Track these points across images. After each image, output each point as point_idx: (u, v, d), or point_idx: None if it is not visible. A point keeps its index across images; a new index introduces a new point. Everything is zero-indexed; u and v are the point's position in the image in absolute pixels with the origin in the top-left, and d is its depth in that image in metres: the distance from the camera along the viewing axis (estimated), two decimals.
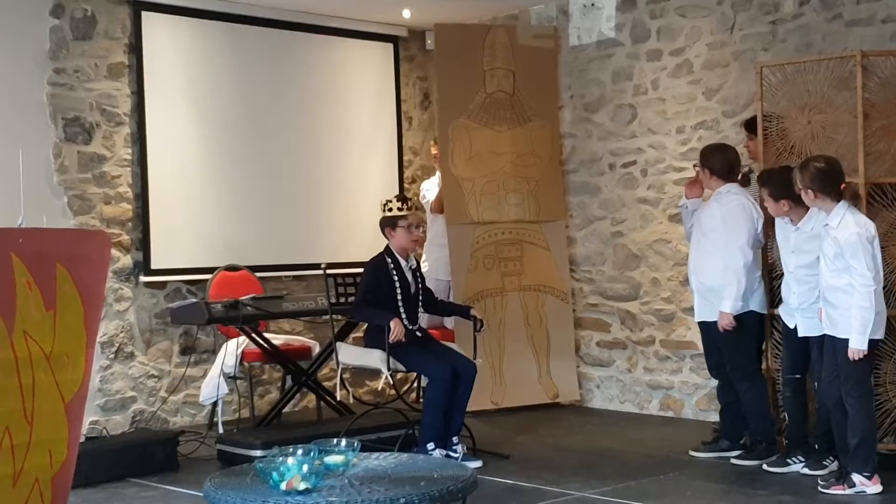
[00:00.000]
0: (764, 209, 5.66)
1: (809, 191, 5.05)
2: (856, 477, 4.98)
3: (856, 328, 4.95)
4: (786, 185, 5.29)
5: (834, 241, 5.00)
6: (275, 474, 3.13)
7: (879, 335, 5.05)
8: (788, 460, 5.54)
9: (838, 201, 5.04)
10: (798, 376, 5.53)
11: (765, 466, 5.58)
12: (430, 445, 5.70)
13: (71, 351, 2.97)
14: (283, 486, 3.10)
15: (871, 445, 5.05)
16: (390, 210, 6.01)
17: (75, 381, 3.00)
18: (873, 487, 4.96)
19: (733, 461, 5.73)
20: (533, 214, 7.68)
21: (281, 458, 3.19)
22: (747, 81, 6.67)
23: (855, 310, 4.94)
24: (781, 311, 5.61)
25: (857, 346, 4.95)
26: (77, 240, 3.14)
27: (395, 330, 5.69)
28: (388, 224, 6.01)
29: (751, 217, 5.69)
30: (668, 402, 7.30)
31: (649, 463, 5.83)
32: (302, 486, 3.09)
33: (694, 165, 6.09)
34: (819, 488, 5.04)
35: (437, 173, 7.75)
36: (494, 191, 7.57)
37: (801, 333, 5.44)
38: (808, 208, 5.34)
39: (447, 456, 5.64)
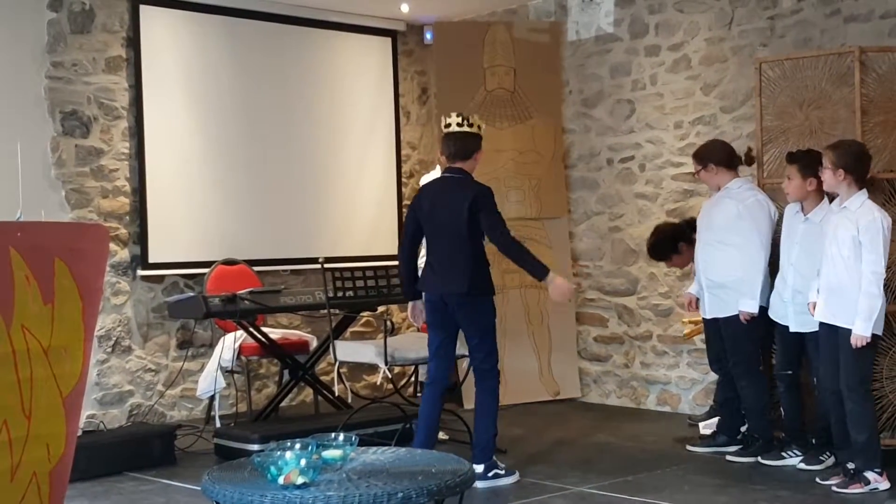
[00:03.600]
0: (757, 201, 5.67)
1: (841, 170, 4.98)
2: (869, 474, 4.95)
3: (862, 314, 4.89)
4: (816, 164, 5.25)
5: (853, 224, 4.93)
6: (272, 468, 3.13)
7: (879, 329, 5.00)
8: (784, 453, 5.56)
9: (860, 188, 5.02)
10: (790, 372, 5.54)
11: (760, 459, 5.60)
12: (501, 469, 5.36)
13: (69, 345, 2.96)
14: (280, 480, 3.10)
15: (877, 441, 5.06)
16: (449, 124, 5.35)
17: (73, 374, 2.99)
18: (884, 483, 4.96)
19: (728, 458, 5.73)
20: (535, 211, 7.67)
21: (279, 453, 3.18)
22: (746, 77, 6.67)
23: (863, 296, 4.88)
24: (773, 308, 5.60)
25: (862, 332, 4.88)
26: (75, 233, 3.13)
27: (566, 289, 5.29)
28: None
29: (769, 213, 5.65)
30: (665, 397, 7.31)
31: (646, 457, 5.84)
32: (300, 480, 3.09)
33: (696, 173, 5.92)
34: (834, 489, 4.98)
35: (438, 167, 7.73)
36: (495, 188, 7.49)
37: (793, 328, 5.44)
38: (821, 198, 5.32)
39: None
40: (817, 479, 5.13)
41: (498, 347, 5.40)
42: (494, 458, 5.33)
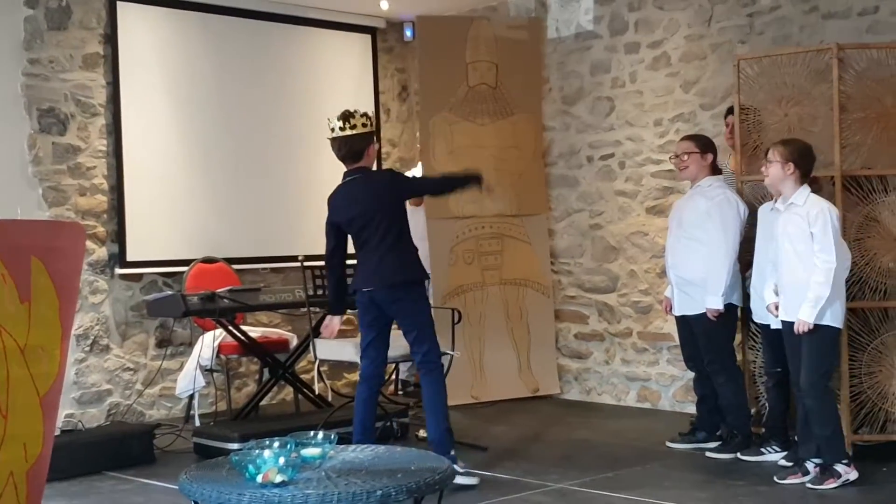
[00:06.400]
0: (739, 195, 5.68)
1: (790, 164, 5.03)
2: (839, 467, 4.97)
3: (808, 301, 4.90)
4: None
5: (802, 218, 4.97)
6: (251, 467, 3.11)
7: (838, 323, 5.01)
8: (763, 449, 5.58)
9: (803, 184, 5.07)
10: (779, 370, 5.55)
11: (739, 455, 5.61)
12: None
13: (46, 344, 2.94)
14: (259, 478, 3.09)
15: (842, 434, 5.09)
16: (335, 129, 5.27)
17: (50, 374, 2.97)
18: (853, 473, 4.97)
19: (708, 454, 5.74)
20: (514, 208, 7.67)
21: (257, 451, 3.17)
22: (725, 74, 6.68)
23: (812, 284, 4.90)
24: (755, 308, 5.60)
25: (806, 317, 4.90)
26: (52, 232, 3.11)
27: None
28: None
29: (738, 211, 5.66)
30: (646, 394, 7.32)
31: (627, 454, 5.85)
32: (278, 478, 3.07)
33: (686, 154, 5.81)
34: (808, 486, 4.97)
35: (419, 164, 7.73)
36: None
37: (775, 326, 5.40)
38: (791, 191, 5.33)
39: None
40: (775, 478, 5.12)
41: (436, 340, 5.33)
42: (454, 452, 5.19)
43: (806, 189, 5.07)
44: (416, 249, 5.39)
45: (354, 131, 5.21)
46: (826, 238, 4.92)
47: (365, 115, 5.29)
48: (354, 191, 5.29)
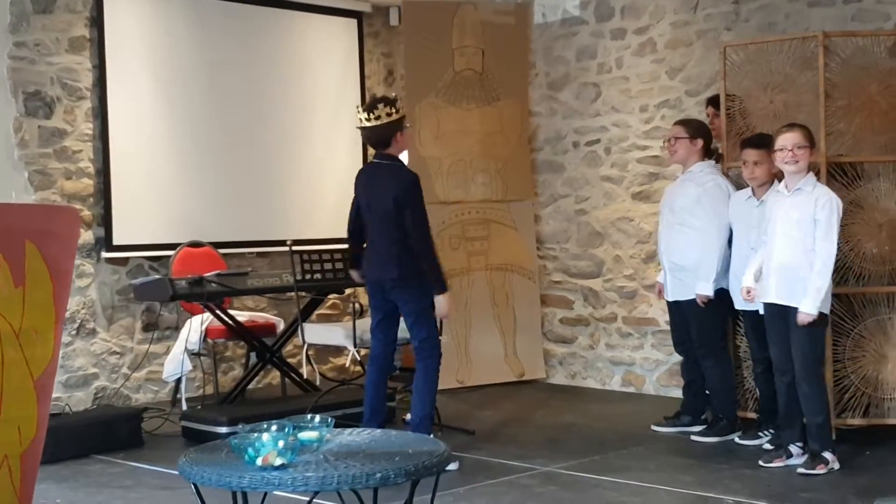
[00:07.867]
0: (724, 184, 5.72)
1: (811, 149, 5.02)
2: (827, 455, 5.01)
3: (811, 293, 4.90)
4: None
5: (813, 203, 4.94)
6: (250, 450, 3.12)
7: (826, 308, 5.03)
8: (760, 433, 5.64)
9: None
10: (767, 355, 5.59)
11: (736, 440, 5.67)
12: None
13: (40, 327, 2.94)
14: (258, 461, 3.10)
15: (830, 421, 5.14)
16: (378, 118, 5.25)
17: (44, 357, 2.97)
18: (836, 464, 5.03)
19: (693, 438, 5.80)
20: (500, 194, 7.69)
21: (255, 434, 3.18)
22: (710, 61, 6.72)
23: (815, 275, 4.90)
24: (737, 297, 5.61)
25: (809, 310, 4.90)
26: (46, 216, 3.10)
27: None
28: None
29: (728, 197, 5.68)
30: (630, 378, 7.38)
31: (612, 438, 5.90)
32: (278, 461, 3.09)
33: (674, 138, 5.83)
34: (799, 471, 4.99)
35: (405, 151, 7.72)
36: (462, 170, 7.58)
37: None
38: (770, 181, 5.36)
39: None
40: (760, 462, 5.17)
41: (436, 327, 5.41)
42: (432, 437, 5.22)
43: (812, 176, 5.07)
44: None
45: (379, 122, 5.25)
46: (830, 226, 4.92)
47: (390, 103, 5.29)
48: (372, 177, 5.39)
